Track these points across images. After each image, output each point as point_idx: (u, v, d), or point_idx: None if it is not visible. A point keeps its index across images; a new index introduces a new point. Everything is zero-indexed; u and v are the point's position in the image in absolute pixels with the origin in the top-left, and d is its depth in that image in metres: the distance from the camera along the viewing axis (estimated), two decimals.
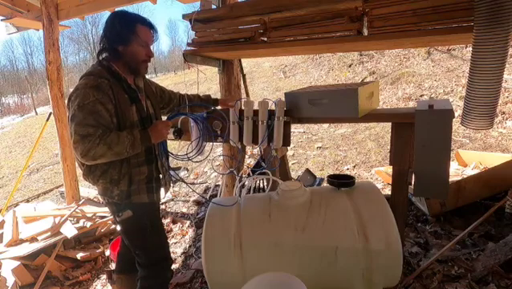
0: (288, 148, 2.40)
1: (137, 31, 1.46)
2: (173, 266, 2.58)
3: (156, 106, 1.70)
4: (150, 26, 1.51)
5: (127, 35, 1.45)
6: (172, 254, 2.72)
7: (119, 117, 1.42)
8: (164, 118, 1.84)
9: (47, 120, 3.77)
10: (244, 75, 2.86)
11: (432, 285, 1.87)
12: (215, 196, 3.45)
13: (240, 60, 2.72)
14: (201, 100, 2.00)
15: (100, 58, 1.51)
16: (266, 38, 2.06)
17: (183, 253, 2.73)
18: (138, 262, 1.64)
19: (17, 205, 4.11)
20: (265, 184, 2.11)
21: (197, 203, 3.59)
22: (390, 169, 2.31)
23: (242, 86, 2.83)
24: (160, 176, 1.66)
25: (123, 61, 1.49)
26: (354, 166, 3.88)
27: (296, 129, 5.13)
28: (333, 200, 1.37)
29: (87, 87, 1.37)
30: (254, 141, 2.00)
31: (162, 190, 1.70)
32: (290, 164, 3.95)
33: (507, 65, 2.15)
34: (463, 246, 2.18)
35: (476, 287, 1.80)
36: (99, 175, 1.46)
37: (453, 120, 1.61)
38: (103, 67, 1.47)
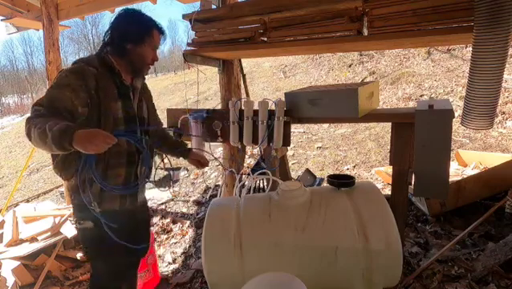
0: (288, 148, 2.39)
1: (152, 34, 1.44)
2: (173, 266, 2.58)
3: (151, 112, 1.62)
4: (162, 32, 1.51)
5: (141, 36, 1.41)
6: (172, 254, 2.73)
7: (96, 108, 1.33)
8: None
9: None
10: (244, 75, 2.86)
11: (432, 285, 1.87)
12: (215, 196, 3.45)
13: (240, 60, 2.72)
14: (171, 144, 1.86)
15: (103, 44, 1.44)
16: (266, 38, 2.06)
17: (183, 253, 2.74)
18: (90, 273, 1.55)
19: (17, 205, 4.11)
20: (265, 184, 2.11)
21: (197, 203, 3.59)
22: (390, 169, 2.31)
23: (242, 86, 2.83)
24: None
25: (127, 59, 1.43)
26: (354, 166, 3.88)
27: (296, 129, 5.13)
28: (333, 200, 1.36)
29: (69, 71, 1.32)
30: (254, 141, 2.00)
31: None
32: (290, 164, 3.95)
33: (507, 65, 2.15)
34: (463, 246, 2.18)
35: (476, 287, 1.80)
36: (73, 172, 1.36)
37: (453, 120, 1.61)
38: (98, 57, 1.42)
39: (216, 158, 1.92)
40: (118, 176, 1.42)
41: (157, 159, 1.88)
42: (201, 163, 1.86)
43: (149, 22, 1.45)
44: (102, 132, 1.18)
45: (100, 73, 1.37)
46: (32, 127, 1.17)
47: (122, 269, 1.57)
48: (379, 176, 3.38)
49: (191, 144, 2.10)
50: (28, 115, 1.28)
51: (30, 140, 1.20)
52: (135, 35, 1.41)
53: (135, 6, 3.23)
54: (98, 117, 1.33)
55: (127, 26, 1.41)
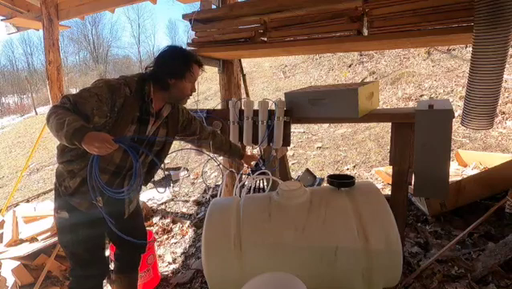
0: (288, 148, 2.39)
1: (193, 69, 1.54)
2: (173, 266, 2.58)
3: (170, 136, 1.68)
4: (201, 66, 1.60)
5: (182, 71, 1.50)
6: (172, 254, 2.73)
7: (111, 123, 1.40)
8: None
9: None
10: (244, 75, 2.86)
11: (432, 285, 1.87)
12: (215, 196, 3.45)
13: (240, 60, 2.72)
14: (229, 147, 1.96)
15: (147, 74, 1.52)
16: (266, 38, 2.06)
17: (183, 253, 2.74)
18: (70, 267, 1.62)
19: (17, 205, 4.11)
20: (265, 184, 2.11)
21: (197, 203, 3.59)
22: (390, 169, 2.31)
23: (242, 86, 2.83)
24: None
25: (168, 92, 1.52)
26: (354, 166, 3.88)
27: (296, 129, 5.13)
28: (333, 200, 1.36)
29: (106, 83, 1.40)
30: (254, 141, 2.00)
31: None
32: (290, 164, 3.95)
33: (507, 65, 2.15)
34: (463, 246, 2.18)
35: (476, 287, 1.80)
36: (65, 160, 1.44)
37: (453, 120, 1.61)
38: (139, 80, 1.49)
39: (214, 159, 1.92)
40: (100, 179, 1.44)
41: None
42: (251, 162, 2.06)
43: (190, 58, 1.54)
44: (106, 138, 1.27)
45: (132, 96, 1.44)
46: (54, 114, 1.29)
47: (94, 264, 1.61)
48: (379, 176, 3.38)
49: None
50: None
51: (47, 123, 1.33)
52: (177, 71, 1.50)
53: (135, 6, 3.22)
54: (108, 131, 1.39)
55: (169, 62, 1.50)
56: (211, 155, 1.90)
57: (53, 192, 1.60)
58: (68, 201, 1.49)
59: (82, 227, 1.51)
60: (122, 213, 1.65)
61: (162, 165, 1.70)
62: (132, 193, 1.61)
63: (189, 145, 2.00)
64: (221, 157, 2.20)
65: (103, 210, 1.46)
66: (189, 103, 1.75)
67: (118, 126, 1.42)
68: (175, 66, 1.50)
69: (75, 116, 1.29)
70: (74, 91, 1.67)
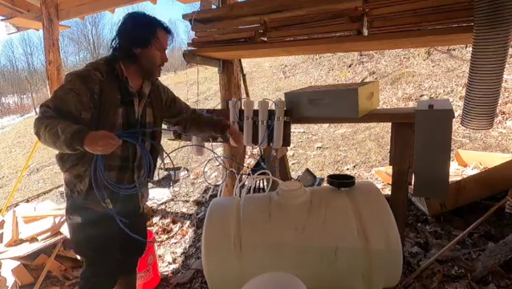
0: (288, 148, 2.39)
1: (158, 35, 1.44)
2: (173, 266, 2.58)
3: (158, 116, 1.61)
4: (168, 32, 1.50)
5: (147, 38, 1.41)
6: (172, 254, 2.73)
7: (97, 114, 1.35)
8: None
9: None
10: (244, 75, 2.86)
11: (432, 285, 1.87)
12: (215, 196, 3.45)
13: (240, 60, 2.72)
14: (211, 121, 1.88)
15: (112, 51, 1.45)
16: (266, 38, 2.06)
17: (183, 253, 2.74)
18: (82, 269, 1.59)
19: (17, 205, 4.11)
20: (265, 184, 2.11)
21: (197, 203, 3.59)
22: (390, 169, 2.30)
23: (242, 86, 2.83)
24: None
25: (138, 64, 1.44)
26: (354, 166, 3.88)
27: (296, 129, 5.13)
28: (333, 200, 1.36)
29: (75, 75, 1.34)
30: (254, 141, 2.00)
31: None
32: (290, 164, 3.95)
33: (507, 65, 2.15)
34: (463, 246, 2.18)
35: (476, 287, 1.80)
36: (68, 167, 1.41)
37: (453, 119, 1.61)
38: (106, 62, 1.42)
39: (217, 156, 1.92)
40: (109, 178, 1.42)
41: (158, 159, 1.89)
42: (237, 139, 1.88)
43: (153, 24, 1.44)
44: (108, 134, 1.23)
45: (106, 79, 1.38)
46: (42, 127, 1.23)
47: (110, 265, 1.58)
48: (379, 176, 3.38)
49: (191, 143, 2.10)
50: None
51: (39, 139, 1.26)
52: (141, 39, 1.41)
53: (135, 6, 3.23)
54: (97, 122, 1.35)
55: (132, 31, 1.41)
56: (214, 153, 1.91)
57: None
58: (83, 204, 1.46)
59: (97, 228, 1.48)
60: (137, 209, 1.63)
61: (163, 165, 1.71)
62: (143, 186, 1.58)
63: (190, 142, 1.98)
64: (222, 157, 2.20)
65: (113, 211, 1.43)
66: (189, 103, 1.75)
67: (106, 113, 1.37)
68: (138, 33, 1.40)
69: (65, 121, 1.24)
70: None
